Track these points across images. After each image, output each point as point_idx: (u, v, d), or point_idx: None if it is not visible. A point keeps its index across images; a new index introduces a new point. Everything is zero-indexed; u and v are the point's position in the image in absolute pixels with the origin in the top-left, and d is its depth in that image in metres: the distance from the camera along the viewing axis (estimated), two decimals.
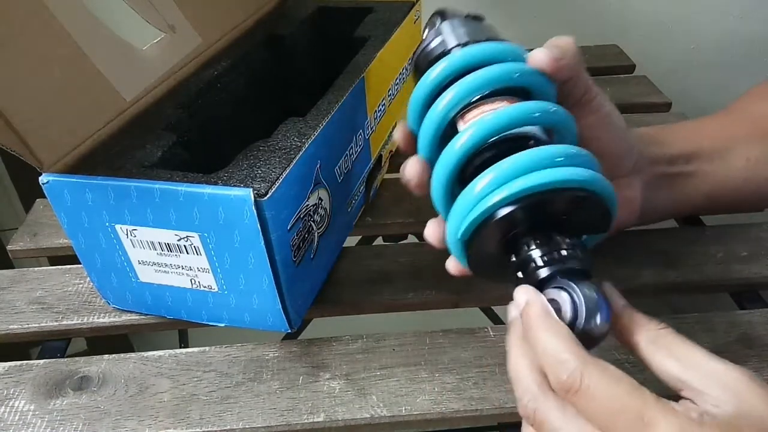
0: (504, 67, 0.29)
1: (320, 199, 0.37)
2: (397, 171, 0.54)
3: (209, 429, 0.34)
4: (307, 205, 0.36)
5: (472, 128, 0.28)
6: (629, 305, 0.27)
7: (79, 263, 0.38)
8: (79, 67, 0.35)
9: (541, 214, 0.26)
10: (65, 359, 0.39)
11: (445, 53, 0.32)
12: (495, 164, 0.27)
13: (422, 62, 0.33)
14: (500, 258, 0.28)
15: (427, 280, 0.42)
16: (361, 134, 0.43)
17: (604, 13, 0.87)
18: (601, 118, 0.34)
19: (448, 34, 0.32)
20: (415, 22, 0.54)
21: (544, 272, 0.26)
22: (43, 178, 0.34)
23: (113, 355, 0.39)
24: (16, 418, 0.35)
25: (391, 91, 0.49)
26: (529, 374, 0.25)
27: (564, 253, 0.26)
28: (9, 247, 0.49)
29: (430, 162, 0.31)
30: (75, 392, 0.37)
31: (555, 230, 0.26)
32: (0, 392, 0.37)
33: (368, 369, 0.37)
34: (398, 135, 0.35)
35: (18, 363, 0.39)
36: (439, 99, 0.30)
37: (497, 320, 0.84)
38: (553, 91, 0.31)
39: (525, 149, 0.27)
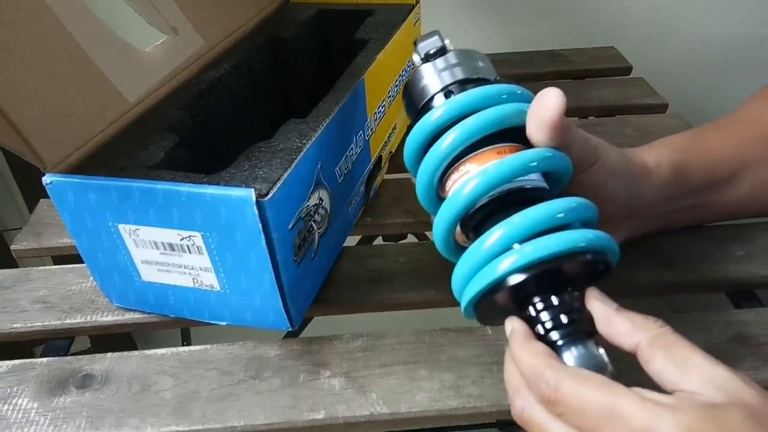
0: (499, 112, 0.30)
1: (321, 199, 0.38)
2: (397, 171, 0.55)
3: (211, 426, 0.35)
4: (308, 205, 0.36)
5: (474, 180, 0.28)
6: (621, 308, 0.27)
7: (83, 263, 0.39)
8: (82, 68, 0.35)
9: (549, 276, 0.27)
10: (68, 357, 0.40)
11: (440, 93, 0.32)
12: (500, 223, 0.27)
13: (416, 99, 0.33)
14: (507, 312, 0.29)
15: (426, 280, 0.43)
16: (361, 135, 0.44)
17: (601, 15, 0.88)
18: (606, 175, 0.34)
19: (443, 71, 0.32)
20: (414, 25, 0.54)
21: (552, 336, 0.27)
22: (46, 179, 0.34)
23: (116, 354, 0.39)
24: (20, 416, 0.36)
25: (390, 93, 0.50)
26: (518, 382, 0.27)
27: (568, 317, 0.27)
28: (13, 247, 0.49)
29: (430, 207, 0.32)
30: (78, 390, 0.37)
31: (559, 287, 0.28)
32: (4, 390, 0.37)
33: (368, 367, 0.37)
34: None
35: (22, 361, 0.39)
36: (434, 146, 0.30)
37: None
38: None
39: (524, 200, 0.28)
